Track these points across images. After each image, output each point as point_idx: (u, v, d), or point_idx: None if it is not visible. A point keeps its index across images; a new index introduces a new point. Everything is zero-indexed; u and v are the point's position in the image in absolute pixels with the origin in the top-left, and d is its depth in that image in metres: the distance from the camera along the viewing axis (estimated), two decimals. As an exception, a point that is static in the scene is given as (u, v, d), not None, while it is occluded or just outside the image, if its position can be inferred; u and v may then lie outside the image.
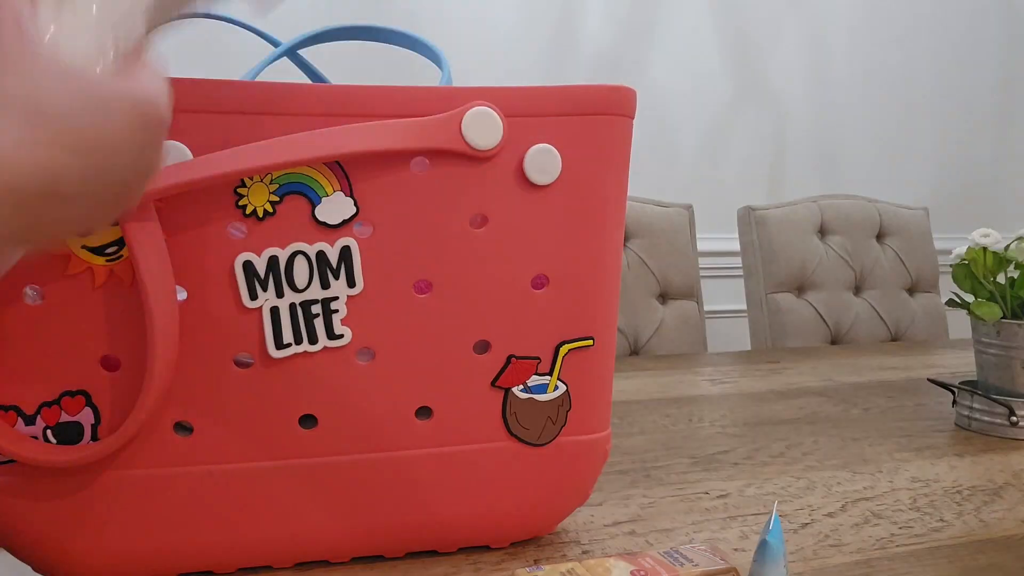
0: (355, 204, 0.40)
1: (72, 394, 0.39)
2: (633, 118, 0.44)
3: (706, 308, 1.50)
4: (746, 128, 1.97)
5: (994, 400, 0.72)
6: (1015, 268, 0.74)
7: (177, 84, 0.36)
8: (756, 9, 1.95)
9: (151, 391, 0.37)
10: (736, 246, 1.52)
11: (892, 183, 2.13)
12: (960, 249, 0.77)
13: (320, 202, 0.39)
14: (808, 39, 2.02)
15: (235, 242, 0.39)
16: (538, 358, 0.44)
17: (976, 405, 0.74)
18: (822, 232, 1.52)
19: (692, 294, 1.40)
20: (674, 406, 0.83)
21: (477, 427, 0.44)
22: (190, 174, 0.37)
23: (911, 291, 1.56)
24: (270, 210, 0.39)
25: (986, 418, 0.73)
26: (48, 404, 0.38)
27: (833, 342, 1.46)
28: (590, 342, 0.45)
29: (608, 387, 0.46)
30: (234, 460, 0.41)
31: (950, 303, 0.78)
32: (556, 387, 0.44)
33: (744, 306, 1.51)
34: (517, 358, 0.43)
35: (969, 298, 0.77)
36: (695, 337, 1.38)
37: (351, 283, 0.40)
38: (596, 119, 0.42)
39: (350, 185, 0.40)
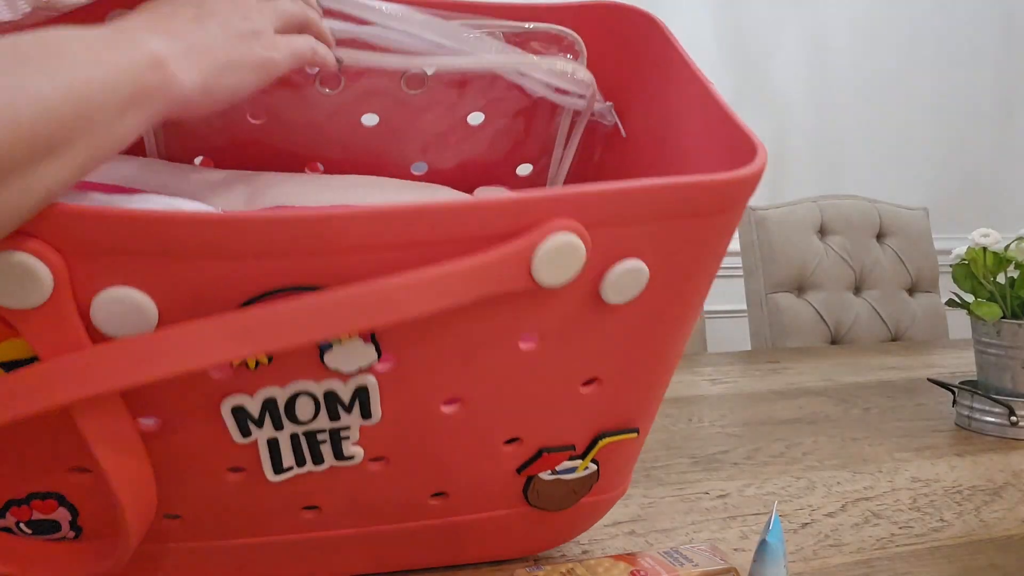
0: (377, 349, 0.31)
1: (42, 496, 0.34)
2: (746, 204, 0.33)
3: (706, 308, 1.50)
4: (746, 128, 1.97)
5: (994, 400, 0.72)
6: (1015, 268, 0.74)
7: (117, 221, 0.26)
8: (756, 9, 1.95)
9: (124, 548, 0.32)
10: (736, 246, 1.52)
11: (892, 183, 2.13)
12: (960, 249, 0.77)
13: (331, 348, 0.31)
14: (808, 39, 2.02)
15: (220, 383, 0.31)
16: (572, 446, 0.38)
17: (976, 405, 0.73)
18: (822, 232, 1.52)
19: (692, 294, 1.40)
20: (674, 406, 0.83)
21: (493, 502, 0.40)
22: (165, 366, 0.27)
23: (911, 291, 1.56)
24: (264, 361, 0.31)
25: (986, 418, 0.72)
26: (17, 503, 0.34)
27: (833, 342, 1.46)
28: (634, 435, 0.39)
29: (638, 451, 0.42)
30: (228, 538, 0.37)
31: (950, 303, 0.78)
32: (587, 468, 0.40)
33: (744, 306, 1.51)
34: (550, 451, 0.38)
35: (969, 298, 0.77)
36: (695, 337, 1.38)
37: (366, 415, 0.33)
38: (702, 221, 0.32)
39: (372, 332, 0.31)
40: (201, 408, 0.32)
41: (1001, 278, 0.75)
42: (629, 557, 0.39)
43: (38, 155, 0.24)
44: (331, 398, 0.32)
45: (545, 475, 0.39)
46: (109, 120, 0.27)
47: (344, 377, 0.32)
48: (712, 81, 0.41)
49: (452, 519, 0.40)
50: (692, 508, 0.53)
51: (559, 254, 0.29)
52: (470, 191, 0.51)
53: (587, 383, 0.36)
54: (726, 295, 1.87)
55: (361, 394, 0.32)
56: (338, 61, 0.40)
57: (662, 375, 0.38)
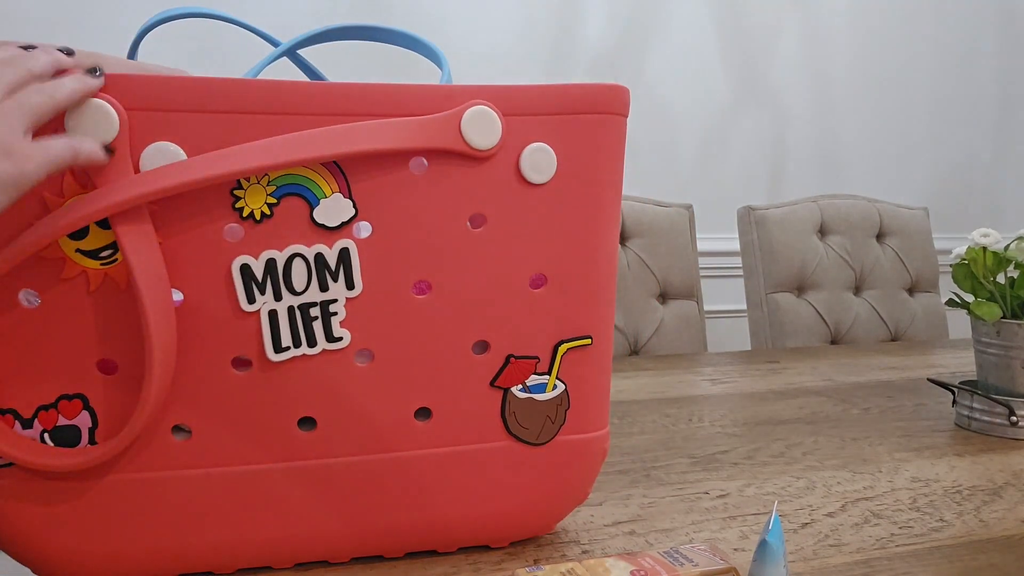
0: (354, 206, 0.40)
1: (69, 398, 0.38)
2: (627, 116, 0.44)
3: (706, 308, 1.50)
4: (746, 128, 1.97)
5: (994, 400, 0.72)
6: (1015, 268, 0.74)
7: (169, 83, 0.37)
8: (756, 9, 1.95)
9: (149, 396, 0.37)
10: (736, 246, 1.52)
11: (892, 183, 2.13)
12: (960, 249, 0.77)
13: (318, 204, 0.39)
14: (808, 39, 2.02)
15: (232, 245, 0.39)
16: (537, 357, 0.44)
17: (976, 405, 0.73)
18: (822, 232, 1.52)
19: (692, 294, 1.40)
20: (674, 406, 0.83)
21: (476, 427, 0.44)
22: (184, 175, 0.36)
23: (911, 291, 1.56)
24: (267, 212, 0.39)
25: (986, 418, 0.72)
26: (45, 408, 0.38)
27: (833, 342, 1.46)
28: (588, 341, 0.45)
29: (606, 385, 0.46)
30: (232, 463, 0.41)
31: (950, 303, 0.78)
32: (555, 386, 0.44)
33: (744, 306, 1.51)
34: (516, 358, 0.43)
35: (969, 298, 0.77)
36: (695, 337, 1.38)
37: (350, 285, 0.40)
38: (590, 118, 0.42)
39: (348, 186, 0.40)
40: (216, 271, 0.38)
41: (1001, 278, 0.75)
42: (629, 556, 0.39)
43: None
44: (320, 262, 0.39)
45: (518, 391, 0.44)
46: None
47: (329, 240, 0.39)
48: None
49: (440, 450, 0.43)
50: (692, 508, 0.53)
51: (481, 116, 0.40)
52: None
53: (537, 285, 0.43)
54: (726, 295, 1.88)
55: (344, 258, 0.40)
56: (109, 151, 0.36)
57: (601, 279, 0.44)
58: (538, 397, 0.44)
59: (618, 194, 0.45)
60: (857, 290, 1.52)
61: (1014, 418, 0.71)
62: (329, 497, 0.42)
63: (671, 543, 0.47)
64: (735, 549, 0.46)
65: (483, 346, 0.43)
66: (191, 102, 0.37)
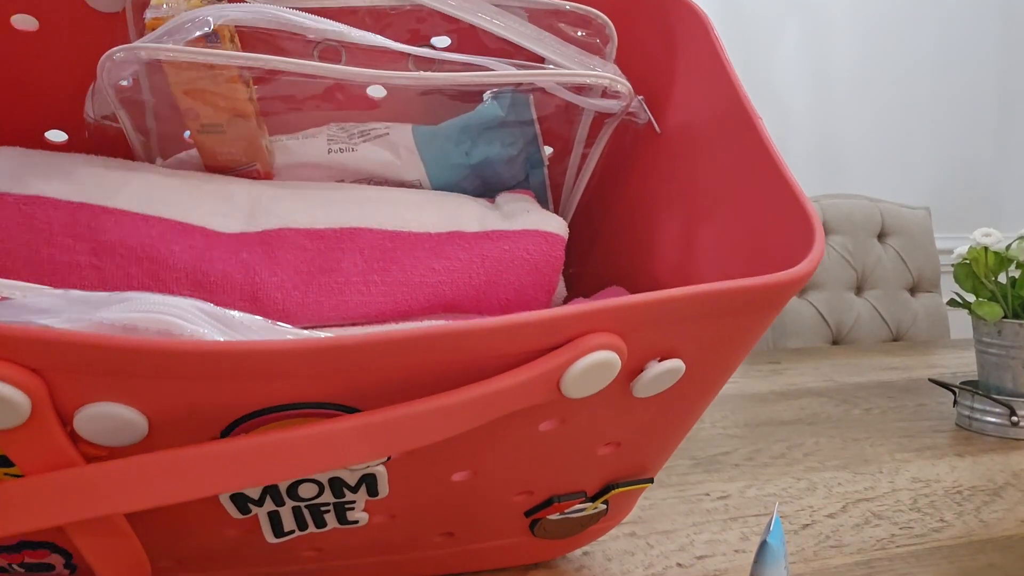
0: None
1: (33, 546, 0.33)
2: (781, 308, 0.31)
3: (707, 308, 1.50)
4: (747, 128, 1.97)
5: (995, 400, 0.72)
6: (1016, 268, 0.74)
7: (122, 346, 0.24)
8: (756, 9, 1.95)
9: None
10: (737, 246, 1.52)
11: (893, 183, 2.13)
12: (961, 249, 0.77)
13: None
14: (808, 39, 2.02)
15: None
16: (583, 493, 0.37)
17: (977, 405, 0.73)
18: (823, 231, 1.52)
19: (693, 294, 1.40)
20: (675, 407, 0.83)
21: (500, 536, 0.40)
22: (157, 497, 0.25)
23: (912, 291, 1.56)
24: None
25: (987, 418, 0.72)
26: (7, 550, 0.32)
27: (834, 342, 1.46)
28: (648, 484, 0.39)
29: (645, 489, 0.41)
30: (224, 571, 0.36)
31: (951, 303, 0.78)
32: (596, 508, 0.39)
33: (745, 306, 1.51)
34: (560, 499, 0.37)
35: (970, 298, 0.77)
36: (696, 337, 1.38)
37: (373, 494, 0.32)
38: (747, 318, 0.30)
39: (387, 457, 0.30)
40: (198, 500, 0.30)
41: (1003, 278, 0.75)
42: None
43: None
44: (336, 483, 0.31)
45: (553, 516, 0.38)
46: None
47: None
48: (759, 115, 0.38)
49: (457, 550, 0.40)
50: (693, 509, 0.53)
51: (592, 372, 0.27)
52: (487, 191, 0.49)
53: (605, 445, 0.35)
54: (727, 295, 1.88)
55: (368, 479, 0.31)
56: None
57: (682, 436, 0.37)
58: (574, 516, 0.39)
59: (733, 371, 0.34)
60: (858, 290, 1.52)
61: (1015, 418, 0.70)
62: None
63: (672, 545, 0.47)
64: (736, 550, 0.46)
65: (525, 494, 0.36)
66: (143, 370, 0.24)
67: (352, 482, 0.31)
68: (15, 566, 0.33)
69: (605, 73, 0.42)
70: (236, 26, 0.37)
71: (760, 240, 0.35)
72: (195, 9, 0.36)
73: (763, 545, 0.35)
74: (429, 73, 0.39)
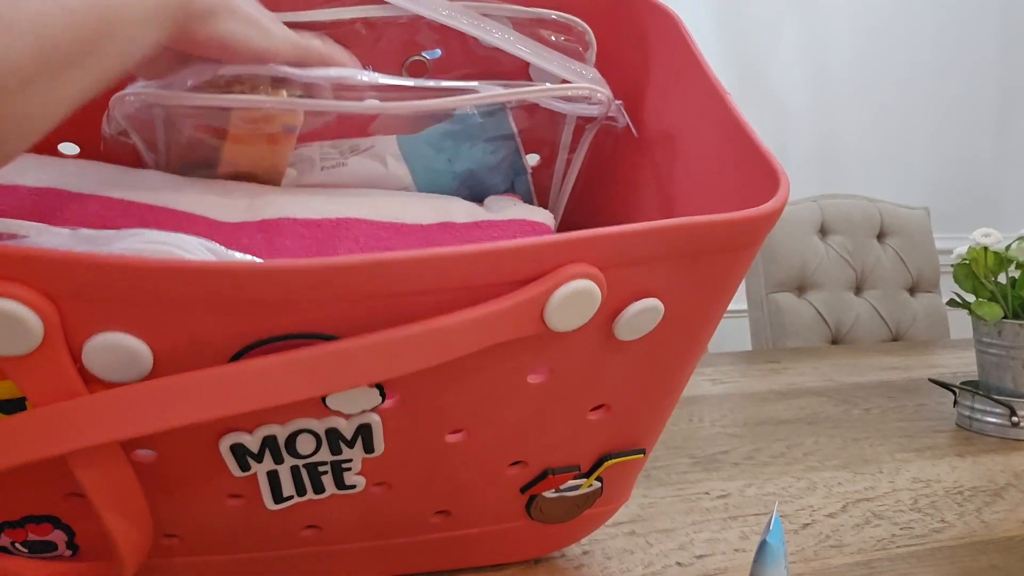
0: (381, 393, 0.30)
1: (37, 520, 0.33)
2: (755, 253, 0.32)
3: (706, 308, 1.50)
4: (747, 128, 1.97)
5: (995, 400, 0.72)
6: (1016, 268, 0.74)
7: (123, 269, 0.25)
8: (756, 9, 1.95)
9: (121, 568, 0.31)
10: (736, 246, 1.52)
11: (893, 183, 2.13)
12: (961, 249, 0.77)
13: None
14: (808, 38, 2.02)
15: (218, 421, 0.30)
16: (577, 467, 0.38)
17: (977, 405, 0.73)
18: (823, 232, 1.52)
19: (692, 294, 1.40)
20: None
21: (496, 518, 0.40)
22: (161, 420, 0.26)
23: (912, 291, 1.56)
24: None
25: (987, 418, 0.72)
26: (11, 525, 0.33)
27: (834, 342, 1.46)
28: (640, 455, 0.39)
29: (640, 467, 0.42)
30: (225, 554, 0.37)
31: (951, 303, 0.78)
32: (591, 485, 0.40)
33: (744, 306, 1.51)
34: (554, 472, 0.38)
35: (970, 298, 0.77)
36: (695, 337, 1.38)
37: (369, 450, 0.33)
38: (721, 257, 0.31)
39: (378, 383, 0.31)
40: (199, 444, 0.31)
41: (1002, 278, 0.75)
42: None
43: (61, 65, 0.26)
44: (333, 435, 0.31)
45: (549, 493, 0.39)
46: (132, 32, 0.28)
47: (347, 416, 0.31)
48: (728, 91, 0.39)
49: (455, 533, 0.40)
50: (692, 508, 0.53)
51: (574, 300, 0.28)
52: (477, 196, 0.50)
53: (595, 409, 0.36)
54: (726, 295, 1.87)
55: (364, 431, 0.32)
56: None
57: (671, 399, 0.37)
58: (569, 495, 0.39)
59: (716, 325, 0.35)
60: (858, 290, 1.52)
61: (1015, 418, 0.70)
62: (334, 572, 0.40)
63: (672, 543, 0.47)
64: (736, 550, 0.46)
65: (519, 464, 0.37)
66: (148, 295, 0.25)
67: (348, 435, 0.31)
68: (18, 545, 0.33)
69: (585, 84, 0.44)
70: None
71: (734, 201, 0.36)
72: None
73: (763, 544, 0.35)
74: (424, 101, 0.41)
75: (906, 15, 2.11)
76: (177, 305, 0.25)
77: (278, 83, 0.38)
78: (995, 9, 2.21)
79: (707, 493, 0.56)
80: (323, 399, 0.30)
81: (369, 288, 0.26)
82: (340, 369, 0.27)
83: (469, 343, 0.28)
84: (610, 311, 0.30)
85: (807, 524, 0.50)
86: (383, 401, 0.30)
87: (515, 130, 0.47)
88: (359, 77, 0.39)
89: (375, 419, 0.31)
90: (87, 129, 0.43)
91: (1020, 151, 2.28)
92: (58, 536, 0.34)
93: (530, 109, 0.47)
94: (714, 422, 0.76)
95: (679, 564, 0.44)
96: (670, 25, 0.45)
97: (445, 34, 0.46)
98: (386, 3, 0.43)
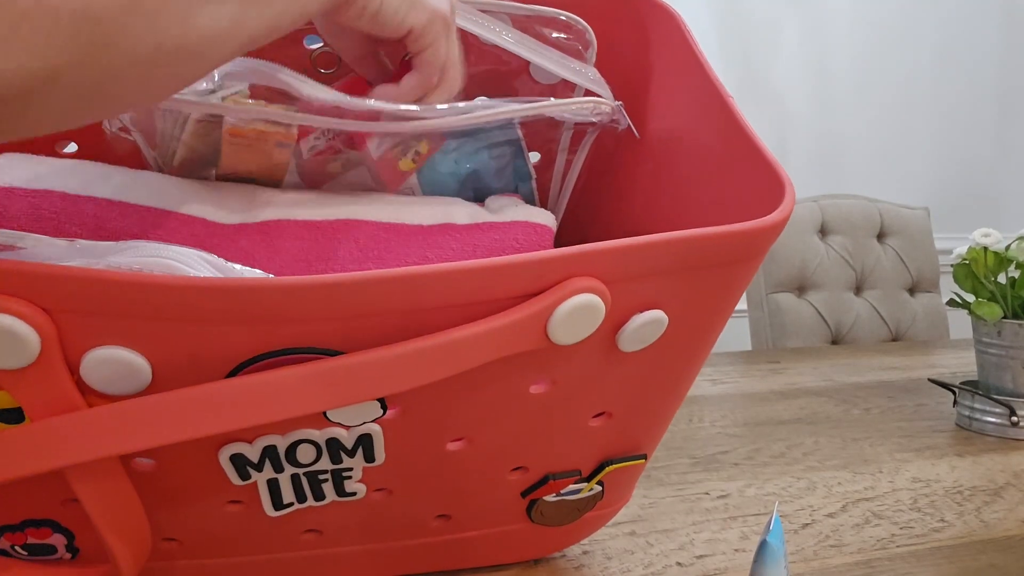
0: (382, 405, 0.30)
1: (37, 524, 0.33)
2: (762, 258, 0.32)
3: (706, 308, 1.50)
4: (746, 128, 1.97)
5: (995, 400, 0.72)
6: (1016, 268, 0.74)
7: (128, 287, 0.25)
8: (756, 9, 1.95)
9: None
10: (736, 246, 1.52)
11: (893, 183, 2.13)
12: (961, 249, 0.77)
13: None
14: (808, 39, 2.02)
15: (217, 435, 0.29)
16: (578, 472, 0.38)
17: (977, 405, 0.73)
18: (823, 232, 1.52)
19: (692, 294, 1.40)
20: (674, 406, 0.83)
21: (496, 521, 0.40)
22: (160, 436, 0.26)
23: (912, 291, 1.56)
24: None
25: (987, 418, 0.72)
26: (11, 529, 0.33)
27: (834, 342, 1.46)
28: (641, 461, 0.39)
29: (642, 468, 0.42)
30: (224, 556, 0.37)
31: (951, 303, 0.78)
32: (592, 489, 0.40)
33: (744, 306, 1.51)
34: (555, 477, 0.38)
35: (970, 298, 0.77)
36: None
37: (369, 459, 0.33)
38: (726, 269, 0.31)
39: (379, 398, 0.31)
40: (199, 454, 0.31)
41: (1002, 278, 0.75)
42: None
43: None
44: (333, 444, 0.31)
45: (549, 497, 0.39)
46: None
47: (347, 427, 0.31)
48: (730, 94, 0.39)
49: (455, 536, 0.40)
50: (692, 508, 0.53)
51: (578, 314, 0.28)
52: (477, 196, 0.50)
53: (597, 416, 0.36)
54: (726, 295, 1.87)
55: (364, 441, 0.32)
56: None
57: (673, 406, 0.37)
58: (570, 498, 0.39)
59: (720, 330, 0.35)
60: (858, 290, 1.52)
61: (1015, 418, 0.70)
62: (334, 573, 0.40)
63: (672, 544, 0.47)
64: (736, 550, 0.46)
65: (520, 469, 0.37)
66: (146, 309, 0.25)
67: (349, 444, 0.31)
68: (18, 548, 0.33)
69: (599, 99, 0.44)
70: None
71: (738, 208, 0.36)
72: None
73: (763, 544, 0.35)
74: (434, 120, 0.40)
75: (906, 15, 2.11)
76: (176, 320, 0.25)
77: (280, 96, 0.38)
78: (995, 10, 2.21)
79: (707, 493, 0.56)
80: (324, 413, 0.30)
81: (371, 304, 0.26)
82: (343, 384, 0.27)
83: (473, 357, 0.28)
84: (614, 323, 0.30)
85: (807, 524, 0.50)
86: (384, 413, 0.30)
87: (520, 135, 0.47)
88: (368, 104, 0.38)
89: (376, 429, 0.31)
90: (85, 128, 0.43)
91: (1020, 151, 2.28)
92: (58, 539, 0.34)
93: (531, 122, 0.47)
94: (714, 422, 0.76)
95: (679, 564, 0.44)
96: (671, 24, 0.45)
97: None
98: None
